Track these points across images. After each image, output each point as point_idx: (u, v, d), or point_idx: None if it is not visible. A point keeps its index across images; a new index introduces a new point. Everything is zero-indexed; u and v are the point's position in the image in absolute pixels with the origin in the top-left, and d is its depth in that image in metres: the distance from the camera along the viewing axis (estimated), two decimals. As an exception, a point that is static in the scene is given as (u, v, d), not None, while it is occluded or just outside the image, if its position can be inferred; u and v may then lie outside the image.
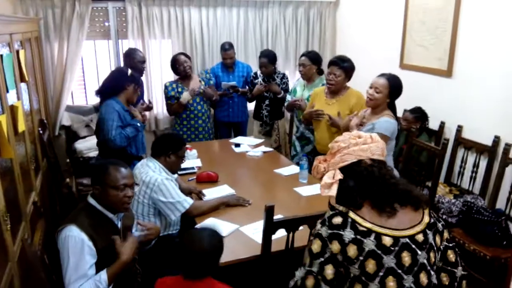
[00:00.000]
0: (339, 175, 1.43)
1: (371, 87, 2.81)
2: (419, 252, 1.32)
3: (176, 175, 2.76)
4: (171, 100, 4.08)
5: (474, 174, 3.40)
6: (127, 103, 3.19)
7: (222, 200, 2.64)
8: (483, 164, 3.35)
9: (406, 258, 1.30)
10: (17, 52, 2.69)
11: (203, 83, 4.20)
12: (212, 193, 2.81)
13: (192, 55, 4.78)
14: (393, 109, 2.87)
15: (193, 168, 3.27)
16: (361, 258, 1.30)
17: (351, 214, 1.35)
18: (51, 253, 2.02)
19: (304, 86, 3.85)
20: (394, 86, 2.78)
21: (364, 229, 1.32)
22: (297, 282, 1.38)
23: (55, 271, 1.96)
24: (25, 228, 2.20)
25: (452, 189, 3.51)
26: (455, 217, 3.07)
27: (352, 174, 1.42)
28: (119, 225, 2.02)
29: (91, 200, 1.96)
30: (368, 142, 1.46)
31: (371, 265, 1.29)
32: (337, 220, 1.35)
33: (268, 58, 4.24)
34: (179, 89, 4.08)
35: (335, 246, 1.33)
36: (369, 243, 1.30)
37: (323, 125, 3.37)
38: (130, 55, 4.00)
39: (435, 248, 1.38)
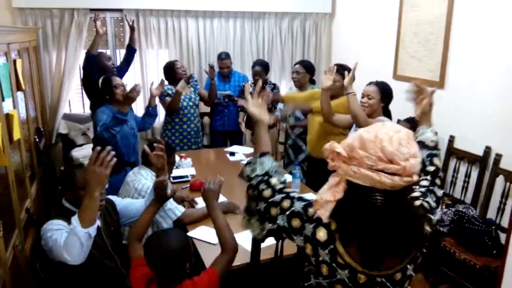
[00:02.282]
0: (341, 192, 1.14)
1: (363, 96, 2.92)
2: None
3: (170, 185, 2.78)
4: (169, 96, 4.09)
5: (466, 184, 3.43)
6: (120, 106, 3.17)
7: None
8: (474, 174, 3.38)
9: None
10: (14, 61, 2.73)
11: (192, 89, 4.29)
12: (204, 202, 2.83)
13: (189, 64, 4.84)
14: (388, 115, 2.94)
15: (187, 176, 3.30)
16: (328, 280, 1.21)
17: (338, 244, 1.18)
18: (42, 260, 2.04)
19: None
20: (384, 90, 2.92)
21: (342, 262, 1.17)
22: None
23: (46, 278, 1.98)
24: (18, 235, 2.23)
25: (444, 199, 3.54)
26: (447, 226, 3.09)
27: (355, 195, 1.11)
28: (99, 222, 2.05)
29: (66, 204, 2.00)
30: (399, 173, 1.06)
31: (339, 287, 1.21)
32: (321, 234, 1.20)
33: (262, 66, 4.33)
34: (174, 91, 4.12)
35: (308, 248, 1.22)
36: (342, 274, 1.18)
37: (315, 127, 3.45)
38: (98, 58, 3.88)
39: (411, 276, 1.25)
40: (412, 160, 1.06)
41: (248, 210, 1.43)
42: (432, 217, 1.27)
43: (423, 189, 1.37)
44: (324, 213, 1.15)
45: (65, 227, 1.86)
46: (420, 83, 1.70)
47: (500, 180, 3.14)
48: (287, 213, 1.28)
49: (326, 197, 1.15)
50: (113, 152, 1.81)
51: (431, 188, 1.38)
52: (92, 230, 1.79)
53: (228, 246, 1.89)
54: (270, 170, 1.41)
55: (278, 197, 1.32)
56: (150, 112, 3.64)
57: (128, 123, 3.26)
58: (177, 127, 4.20)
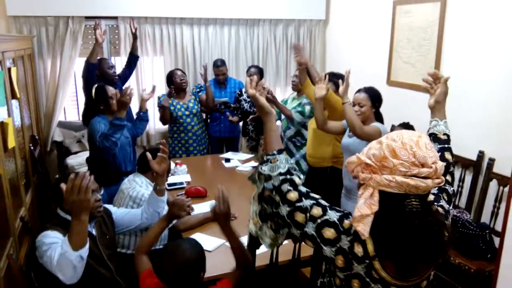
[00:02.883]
0: (376, 203, 1.11)
1: (354, 104, 2.94)
2: None
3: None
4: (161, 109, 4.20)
5: (460, 189, 3.45)
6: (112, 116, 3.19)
7: (209, 215, 2.66)
8: (468, 178, 3.40)
9: None
10: (9, 69, 2.74)
11: (193, 97, 4.34)
12: (200, 208, 2.84)
13: (185, 72, 4.85)
14: (380, 119, 2.97)
15: (182, 183, 3.31)
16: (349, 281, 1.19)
17: (374, 260, 1.14)
18: (36, 268, 2.04)
19: (293, 98, 4.00)
20: (373, 95, 2.94)
21: (377, 276, 1.15)
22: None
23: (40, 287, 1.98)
24: (12, 243, 2.22)
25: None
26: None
27: (390, 205, 1.11)
28: (94, 232, 2.05)
29: (61, 213, 1.99)
30: (431, 176, 1.08)
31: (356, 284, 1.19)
32: (359, 249, 1.15)
33: (258, 69, 4.40)
34: (173, 103, 4.23)
35: (339, 260, 1.18)
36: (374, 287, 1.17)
37: (309, 135, 3.48)
38: (99, 65, 3.89)
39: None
40: (439, 162, 1.11)
41: (261, 215, 1.33)
42: (447, 222, 1.25)
43: (435, 190, 1.33)
44: (364, 228, 1.12)
45: (60, 239, 1.85)
46: (437, 72, 1.64)
47: (493, 184, 3.16)
48: (319, 221, 1.20)
49: (364, 211, 1.12)
50: (88, 175, 1.74)
51: (442, 186, 1.35)
52: (84, 252, 1.76)
53: (243, 265, 1.93)
54: (291, 168, 1.32)
55: (307, 202, 1.23)
56: (142, 116, 3.64)
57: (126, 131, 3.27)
58: (175, 135, 4.30)
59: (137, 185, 2.56)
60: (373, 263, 1.14)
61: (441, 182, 1.10)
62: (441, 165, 1.10)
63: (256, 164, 3.92)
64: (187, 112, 4.22)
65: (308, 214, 1.22)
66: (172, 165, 3.41)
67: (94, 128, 3.05)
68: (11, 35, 3.70)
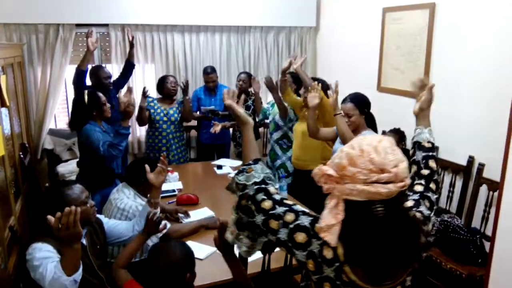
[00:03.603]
0: (342, 213, 1.12)
1: (343, 115, 2.95)
2: None
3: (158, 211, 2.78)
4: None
5: (450, 194, 3.47)
6: (101, 123, 3.20)
7: (201, 223, 2.66)
8: (459, 183, 3.43)
9: None
10: (-2, 77, 2.72)
11: (177, 105, 4.30)
12: (192, 216, 2.83)
13: (175, 78, 4.86)
14: (372, 124, 2.96)
15: (173, 190, 3.29)
16: None
17: (346, 268, 1.13)
18: (26, 278, 2.01)
19: None
20: (359, 103, 2.93)
21: (347, 280, 1.14)
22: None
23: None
24: (1, 253, 2.20)
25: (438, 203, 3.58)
26: (433, 236, 3.12)
27: (356, 213, 1.10)
28: (84, 241, 2.04)
29: None
30: (392, 180, 1.07)
31: None
32: (328, 252, 1.15)
33: (248, 74, 4.45)
34: (155, 106, 4.18)
35: (310, 264, 1.18)
36: None
37: (298, 139, 3.52)
38: (96, 72, 3.92)
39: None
40: (401, 165, 1.08)
41: (238, 223, 1.35)
42: (425, 227, 1.25)
43: (416, 196, 1.34)
44: (331, 238, 1.13)
45: (53, 253, 1.83)
46: (425, 78, 1.62)
47: (483, 189, 3.18)
48: (291, 226, 1.21)
49: (329, 221, 1.13)
50: (75, 209, 1.68)
51: (425, 193, 1.35)
52: (78, 275, 1.76)
53: None
54: (266, 177, 1.34)
55: (280, 209, 1.25)
56: (120, 131, 3.12)
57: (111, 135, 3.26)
58: (150, 140, 4.24)
59: (125, 197, 2.54)
60: (342, 266, 1.14)
61: (405, 186, 1.09)
62: (403, 167, 1.08)
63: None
64: (165, 118, 4.18)
65: (281, 221, 1.23)
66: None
67: (93, 137, 3.03)
68: (0, 43, 3.67)
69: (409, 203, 1.30)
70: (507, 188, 2.38)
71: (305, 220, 1.22)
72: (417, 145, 1.51)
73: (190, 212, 2.89)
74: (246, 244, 1.34)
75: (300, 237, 1.20)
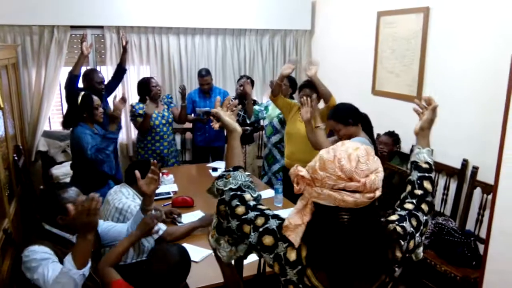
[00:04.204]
0: (309, 215, 1.14)
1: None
2: None
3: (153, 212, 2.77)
4: (140, 117, 4.09)
5: (445, 197, 3.49)
6: (92, 125, 3.20)
7: (194, 224, 2.65)
8: (453, 186, 3.45)
9: None
10: (-8, 79, 2.71)
11: (166, 106, 4.30)
12: (187, 219, 2.83)
13: (171, 81, 4.87)
14: (369, 131, 2.97)
15: (168, 193, 3.29)
16: None
17: (309, 271, 1.14)
18: (20, 281, 1.99)
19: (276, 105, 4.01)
20: (339, 117, 2.87)
21: (309, 284, 1.14)
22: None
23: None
24: (-5, 256, 2.18)
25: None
26: (427, 238, 3.13)
27: (322, 217, 1.11)
28: None
29: (47, 226, 1.96)
30: (360, 190, 1.06)
31: None
32: (292, 254, 1.16)
33: (250, 79, 4.48)
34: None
35: (276, 267, 1.20)
36: None
37: (297, 141, 3.48)
38: (89, 76, 3.90)
39: None
40: (372, 176, 1.07)
41: (218, 227, 1.37)
42: (404, 243, 1.23)
43: (403, 212, 1.32)
44: (295, 238, 1.14)
45: (51, 255, 1.82)
46: (430, 97, 1.61)
47: (477, 192, 3.20)
48: (260, 230, 1.23)
49: (295, 221, 1.14)
50: (99, 198, 1.75)
51: (413, 212, 1.33)
52: (86, 270, 1.76)
53: None
54: (243, 185, 1.36)
55: (252, 214, 1.27)
56: (107, 135, 3.15)
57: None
58: (150, 145, 4.18)
59: (123, 197, 2.54)
60: (305, 269, 1.14)
61: (373, 197, 1.07)
62: (374, 178, 1.06)
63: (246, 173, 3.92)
64: (163, 121, 4.18)
65: (252, 225, 1.25)
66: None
67: (83, 140, 3.03)
68: (-6, 44, 3.66)
69: (393, 217, 1.30)
70: (500, 191, 2.40)
71: (273, 223, 1.24)
72: (414, 165, 1.50)
73: (185, 215, 2.88)
74: (226, 249, 1.36)
75: (268, 240, 1.21)
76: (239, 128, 1.54)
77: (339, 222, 1.06)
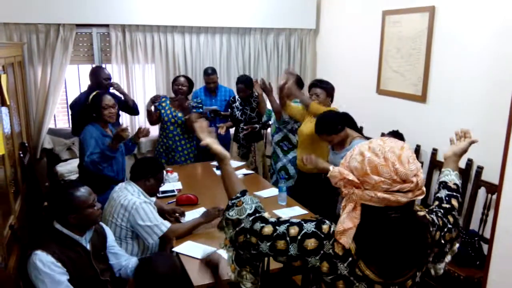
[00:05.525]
0: (359, 217, 1.15)
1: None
2: None
3: (154, 199, 2.79)
4: (154, 110, 4.23)
5: (449, 196, 3.48)
6: (105, 125, 3.21)
7: (198, 221, 2.66)
8: (457, 186, 3.44)
9: None
10: (-1, 76, 2.72)
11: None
12: (191, 216, 2.84)
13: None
14: (355, 128, 3.09)
15: (173, 191, 3.30)
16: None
17: (361, 263, 1.17)
18: (26, 278, 2.01)
19: None
20: (328, 129, 2.98)
21: (361, 274, 1.17)
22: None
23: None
24: (1, 252, 2.20)
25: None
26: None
27: (372, 217, 1.14)
28: (88, 246, 2.04)
29: (57, 225, 1.98)
30: (412, 189, 1.10)
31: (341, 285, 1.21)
32: (340, 250, 1.18)
33: (245, 84, 4.39)
34: (166, 107, 4.23)
35: (324, 266, 1.20)
36: (360, 287, 1.19)
37: (303, 142, 3.50)
38: (96, 73, 3.95)
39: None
40: (420, 174, 1.12)
41: (237, 260, 1.34)
42: (433, 229, 1.28)
43: (433, 214, 1.37)
44: (346, 241, 1.16)
45: (59, 272, 1.85)
46: (468, 130, 1.71)
47: (482, 192, 3.20)
48: (299, 238, 1.22)
49: (347, 226, 1.16)
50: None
51: (439, 215, 1.37)
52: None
53: None
54: (257, 207, 1.35)
55: (282, 228, 1.25)
56: (130, 147, 3.50)
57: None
58: (160, 140, 4.33)
59: (129, 193, 2.56)
60: (356, 261, 1.17)
61: (422, 194, 1.13)
62: (422, 177, 1.12)
63: (247, 171, 3.93)
64: (172, 120, 4.21)
65: (287, 238, 1.23)
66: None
67: (86, 143, 3.05)
68: (1, 42, 3.67)
69: (421, 213, 1.31)
70: (505, 190, 2.39)
71: (310, 227, 1.24)
72: (443, 184, 1.55)
73: (189, 212, 2.90)
74: (251, 280, 1.35)
75: (311, 243, 1.21)
76: (228, 154, 1.54)
77: (388, 219, 1.11)
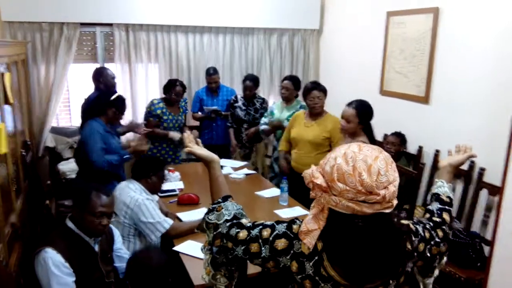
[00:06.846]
0: (324, 220, 1.14)
1: (342, 117, 2.95)
2: None
3: (157, 197, 2.80)
4: (154, 118, 4.11)
5: (451, 198, 3.47)
6: (109, 124, 3.22)
7: (198, 223, 2.65)
8: (459, 187, 3.43)
9: None
10: (2, 74, 2.73)
11: (181, 110, 4.31)
12: (192, 216, 2.84)
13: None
14: (369, 133, 2.97)
15: (174, 190, 3.30)
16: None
17: (326, 262, 1.16)
18: (27, 275, 2.02)
19: (283, 108, 4.09)
20: (362, 113, 2.91)
21: (326, 275, 1.16)
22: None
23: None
24: (2, 250, 2.20)
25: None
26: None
27: (338, 222, 1.12)
28: (96, 248, 2.05)
29: (69, 223, 1.99)
30: (379, 202, 1.07)
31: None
32: (306, 248, 1.18)
33: (254, 82, 4.41)
34: (166, 112, 4.17)
35: (293, 266, 1.20)
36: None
37: (305, 145, 3.48)
38: (103, 72, 3.98)
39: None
40: (391, 187, 1.07)
41: (213, 263, 1.36)
42: (415, 239, 1.25)
43: (419, 225, 1.33)
44: (310, 241, 1.16)
45: (67, 274, 1.86)
46: (469, 147, 1.71)
47: (484, 194, 3.19)
48: (270, 239, 1.23)
49: (311, 227, 1.16)
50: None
51: (427, 226, 1.35)
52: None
53: None
54: (237, 213, 1.37)
55: (255, 231, 1.28)
56: (124, 157, 3.25)
57: (116, 138, 3.30)
58: (157, 143, 4.22)
59: (131, 191, 2.57)
60: (322, 260, 1.16)
61: (392, 206, 1.09)
62: (393, 190, 1.07)
63: (249, 171, 3.93)
64: (176, 125, 4.22)
65: (260, 240, 1.25)
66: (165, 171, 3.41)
67: (92, 139, 3.05)
68: (5, 41, 3.69)
69: (405, 221, 1.27)
70: (507, 192, 2.38)
71: (281, 228, 1.25)
72: (436, 196, 1.53)
73: (191, 212, 2.90)
74: (224, 283, 1.36)
75: (281, 243, 1.22)
76: (216, 157, 1.55)
77: (354, 226, 1.07)
